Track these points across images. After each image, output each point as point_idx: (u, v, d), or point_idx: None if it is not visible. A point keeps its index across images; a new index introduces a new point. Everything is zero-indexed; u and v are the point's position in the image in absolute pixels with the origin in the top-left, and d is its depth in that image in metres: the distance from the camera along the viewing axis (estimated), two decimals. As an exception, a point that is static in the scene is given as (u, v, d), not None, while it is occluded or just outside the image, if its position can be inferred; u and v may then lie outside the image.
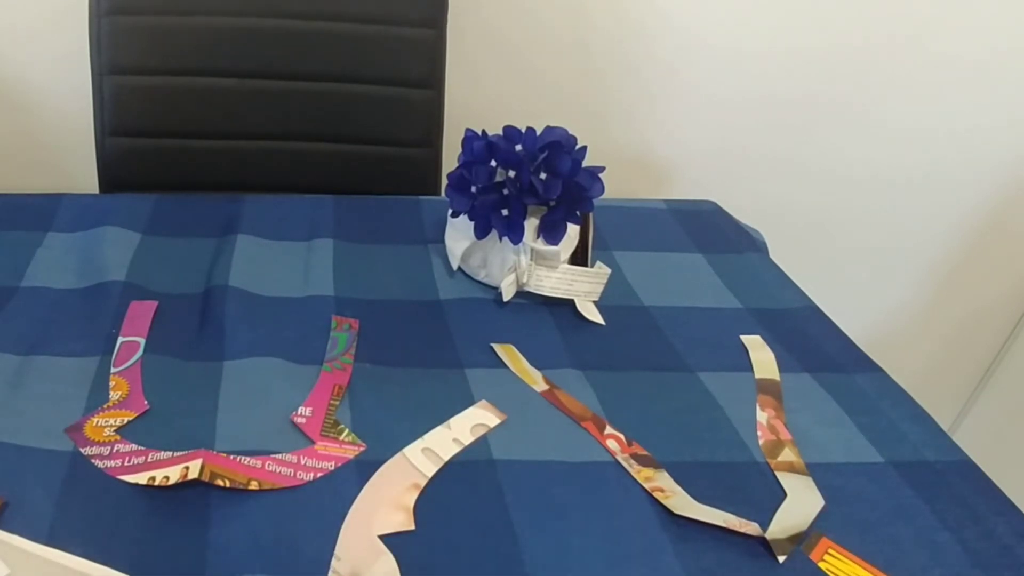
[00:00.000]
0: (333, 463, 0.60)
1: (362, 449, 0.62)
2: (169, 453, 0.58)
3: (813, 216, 1.54)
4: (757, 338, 0.80)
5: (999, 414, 1.75)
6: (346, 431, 0.63)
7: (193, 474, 0.56)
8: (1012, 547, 0.59)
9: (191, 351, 0.70)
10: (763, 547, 0.57)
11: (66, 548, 0.51)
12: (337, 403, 0.66)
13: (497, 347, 0.75)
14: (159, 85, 1.07)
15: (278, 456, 0.60)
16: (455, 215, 0.83)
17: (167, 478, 0.56)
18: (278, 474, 0.59)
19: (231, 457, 0.59)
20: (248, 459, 0.59)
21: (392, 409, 0.66)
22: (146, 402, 0.64)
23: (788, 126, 1.44)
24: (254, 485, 0.57)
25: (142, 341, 0.70)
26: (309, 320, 0.76)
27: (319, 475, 0.59)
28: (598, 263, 0.83)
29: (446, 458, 0.62)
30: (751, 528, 0.58)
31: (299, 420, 0.64)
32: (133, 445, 0.59)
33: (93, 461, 0.58)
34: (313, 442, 0.62)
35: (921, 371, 1.77)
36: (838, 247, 1.59)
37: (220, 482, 0.57)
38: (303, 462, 0.60)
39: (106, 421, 0.62)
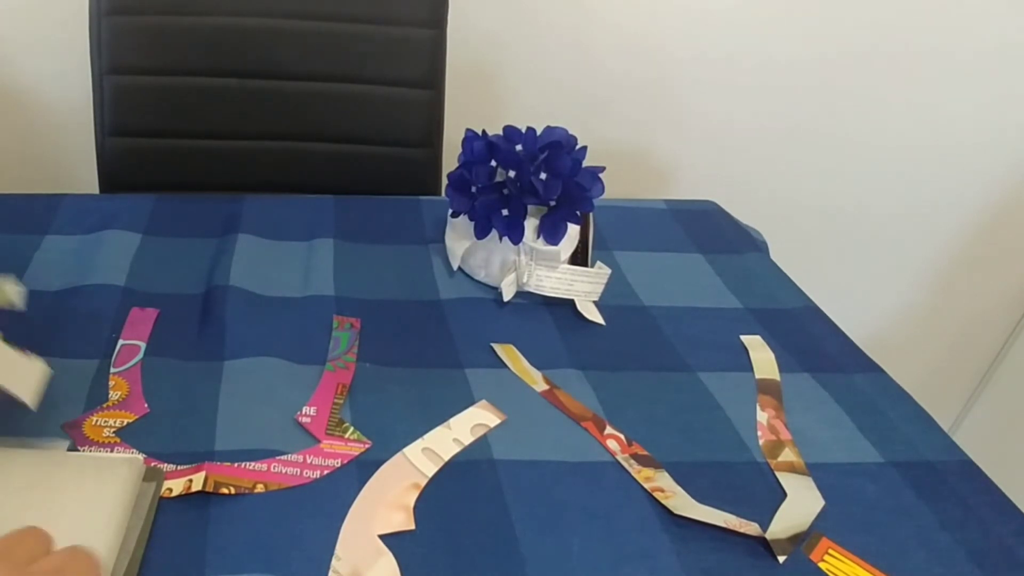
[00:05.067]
0: (340, 460, 0.60)
1: (368, 446, 0.62)
2: (173, 466, 0.58)
3: (814, 216, 1.54)
4: (757, 338, 0.80)
5: (999, 414, 1.75)
6: (351, 429, 0.63)
7: (197, 486, 0.56)
8: (1012, 547, 0.59)
9: (191, 351, 0.70)
10: (763, 547, 0.57)
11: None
12: (341, 402, 0.66)
13: (497, 347, 0.75)
14: (159, 85, 1.07)
15: (283, 458, 0.60)
16: (455, 215, 0.83)
17: (170, 490, 0.56)
18: (284, 475, 0.59)
19: (235, 465, 0.59)
20: (253, 464, 0.59)
21: (392, 409, 0.66)
22: (146, 405, 0.64)
23: (789, 127, 1.44)
24: (260, 488, 0.57)
25: (143, 345, 0.70)
26: (309, 320, 0.76)
27: (326, 472, 0.59)
28: (598, 263, 0.83)
29: (446, 458, 0.62)
30: (751, 528, 0.58)
31: (304, 420, 0.64)
32: (133, 450, 0.59)
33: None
34: (319, 441, 0.62)
35: (921, 371, 1.77)
36: (839, 247, 1.59)
37: (225, 490, 0.57)
38: (309, 460, 0.60)
39: (105, 421, 0.62)
